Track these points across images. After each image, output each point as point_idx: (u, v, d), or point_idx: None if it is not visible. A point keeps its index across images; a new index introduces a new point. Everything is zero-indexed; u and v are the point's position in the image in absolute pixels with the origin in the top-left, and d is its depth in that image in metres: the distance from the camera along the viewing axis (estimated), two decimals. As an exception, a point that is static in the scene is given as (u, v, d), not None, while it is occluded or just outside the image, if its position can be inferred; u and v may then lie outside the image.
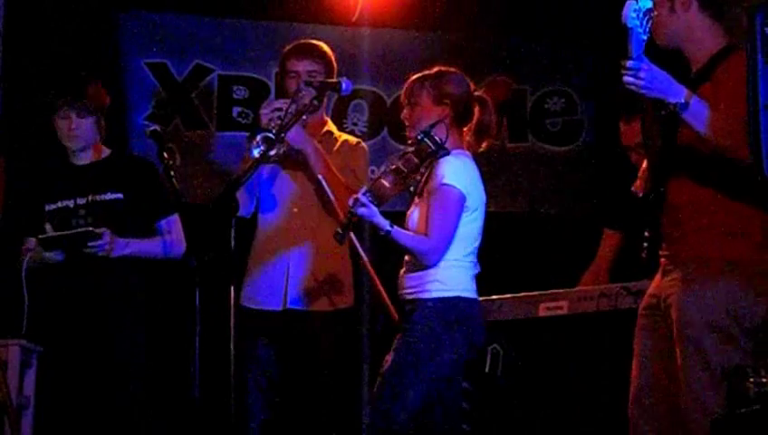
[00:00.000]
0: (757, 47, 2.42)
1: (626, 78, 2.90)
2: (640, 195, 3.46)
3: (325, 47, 4.07)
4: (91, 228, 3.89)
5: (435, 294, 3.52)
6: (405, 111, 3.68)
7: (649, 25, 2.85)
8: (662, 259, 3.21)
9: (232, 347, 3.69)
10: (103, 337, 3.92)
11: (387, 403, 3.42)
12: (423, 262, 3.53)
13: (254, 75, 5.53)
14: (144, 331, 4.02)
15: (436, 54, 5.54)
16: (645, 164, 3.49)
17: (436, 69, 3.72)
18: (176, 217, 4.09)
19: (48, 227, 3.94)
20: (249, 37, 5.53)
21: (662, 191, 3.15)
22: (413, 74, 3.72)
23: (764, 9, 2.41)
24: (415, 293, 3.54)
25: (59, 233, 3.93)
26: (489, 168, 5.37)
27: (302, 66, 3.97)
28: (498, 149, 5.64)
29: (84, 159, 4.10)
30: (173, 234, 4.06)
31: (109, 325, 3.93)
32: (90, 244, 3.87)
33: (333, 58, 4.06)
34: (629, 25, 2.81)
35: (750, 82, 2.43)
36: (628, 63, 2.87)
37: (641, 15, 2.81)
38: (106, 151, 4.15)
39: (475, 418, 4.04)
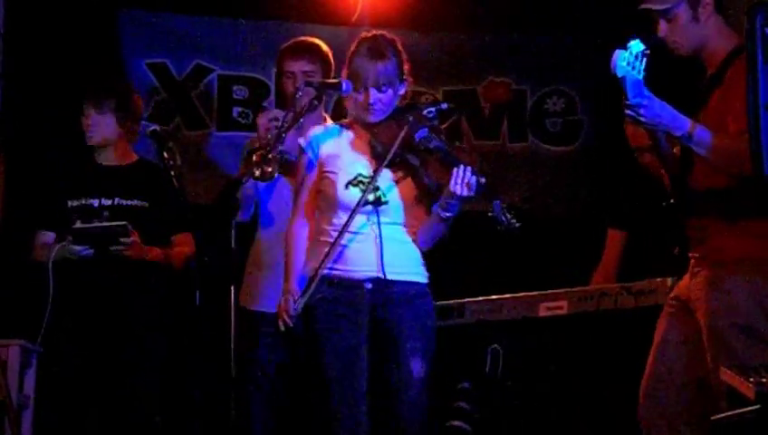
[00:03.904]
0: (757, 47, 2.42)
1: (627, 113, 2.91)
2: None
3: (321, 45, 4.04)
4: (126, 223, 3.89)
5: (427, 279, 3.42)
6: (372, 95, 3.34)
7: (645, 64, 2.85)
8: (691, 260, 3.21)
9: (232, 348, 3.70)
10: (121, 337, 3.92)
11: (423, 390, 3.31)
12: (428, 247, 3.42)
13: (254, 75, 5.53)
14: (161, 333, 4.02)
15: (436, 54, 5.55)
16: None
17: (381, 39, 3.42)
18: (189, 234, 4.11)
19: (78, 222, 3.94)
20: (249, 37, 5.53)
21: (684, 195, 3.16)
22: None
23: (764, 9, 2.41)
24: (408, 274, 3.38)
25: (95, 225, 3.92)
26: (489, 168, 5.39)
27: (298, 67, 3.95)
28: (498, 149, 5.65)
29: (110, 159, 4.12)
30: (183, 247, 4.08)
31: (128, 325, 3.94)
32: (122, 240, 3.87)
33: (330, 55, 4.04)
34: (619, 75, 2.82)
35: (750, 82, 2.43)
36: (630, 102, 2.88)
37: (633, 60, 2.81)
38: (134, 157, 4.17)
39: (475, 418, 4.04)
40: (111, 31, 5.35)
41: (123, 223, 3.90)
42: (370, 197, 3.33)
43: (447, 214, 3.28)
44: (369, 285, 3.32)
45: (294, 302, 3.31)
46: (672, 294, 3.27)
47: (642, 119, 2.91)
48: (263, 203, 4.04)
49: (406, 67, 3.43)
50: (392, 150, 3.33)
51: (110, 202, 4.02)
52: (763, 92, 2.41)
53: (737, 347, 2.99)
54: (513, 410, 4.13)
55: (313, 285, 3.30)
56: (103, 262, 3.91)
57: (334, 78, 3.95)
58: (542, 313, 4.10)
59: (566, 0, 5.39)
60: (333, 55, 4.08)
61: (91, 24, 5.21)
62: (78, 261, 3.91)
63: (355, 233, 3.36)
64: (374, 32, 3.48)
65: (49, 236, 4.02)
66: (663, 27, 3.13)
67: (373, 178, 3.32)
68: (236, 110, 5.54)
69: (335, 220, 3.37)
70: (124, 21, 5.39)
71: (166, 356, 4.05)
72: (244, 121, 5.50)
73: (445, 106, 3.43)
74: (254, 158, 3.66)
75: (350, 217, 3.28)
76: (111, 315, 3.93)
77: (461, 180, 3.19)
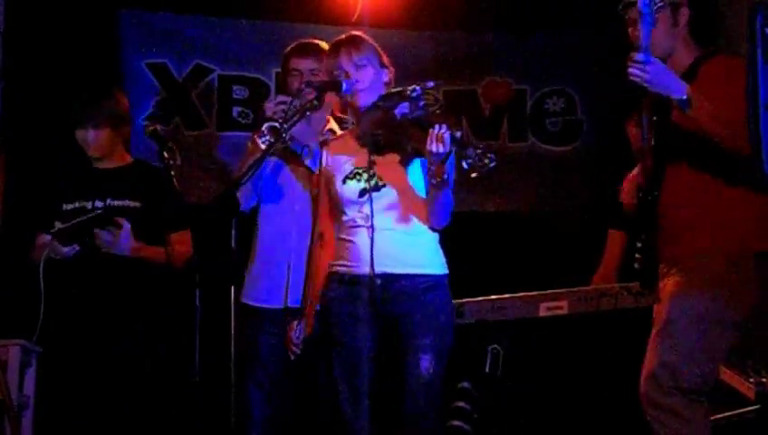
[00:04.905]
0: (757, 47, 2.42)
1: (631, 70, 2.95)
2: (634, 201, 3.47)
3: (327, 46, 4.08)
4: (101, 210, 3.90)
5: (444, 270, 3.39)
6: (352, 75, 3.40)
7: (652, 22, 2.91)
8: (661, 265, 3.22)
9: (232, 347, 3.70)
10: (114, 336, 3.92)
11: (437, 386, 3.29)
12: (443, 223, 3.37)
13: (254, 75, 5.53)
14: (158, 332, 4.02)
15: (436, 54, 5.56)
16: (633, 172, 3.52)
17: (352, 33, 3.52)
18: (187, 232, 4.10)
19: (57, 223, 3.95)
20: (249, 37, 5.53)
21: (656, 194, 3.18)
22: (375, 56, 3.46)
23: (764, 9, 2.41)
24: (414, 266, 3.34)
25: (73, 221, 3.92)
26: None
27: (305, 65, 3.98)
28: (498, 149, 5.65)
29: (105, 162, 4.13)
30: (180, 247, 4.07)
31: (122, 325, 3.94)
32: (107, 228, 3.87)
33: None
34: (644, 12, 2.85)
35: (750, 82, 2.43)
36: (637, 56, 2.91)
37: (652, 3, 2.86)
38: (128, 158, 4.18)
39: (475, 418, 4.05)
40: (111, 31, 5.35)
41: (100, 212, 3.90)
42: (364, 184, 3.33)
43: (434, 179, 3.22)
44: (379, 281, 3.30)
45: (296, 329, 3.36)
46: (654, 314, 3.29)
47: (647, 76, 2.94)
48: (264, 194, 4.04)
49: (384, 58, 3.48)
50: (364, 131, 3.35)
51: (101, 204, 4.03)
52: (763, 92, 2.41)
53: (692, 335, 3.03)
54: (513, 410, 4.13)
55: (308, 298, 3.37)
56: (94, 260, 3.90)
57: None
58: (542, 313, 4.10)
59: (567, 0, 5.39)
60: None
61: (91, 24, 5.21)
62: (69, 260, 3.91)
63: (354, 227, 3.37)
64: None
65: (46, 238, 4.03)
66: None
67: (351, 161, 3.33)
68: (236, 110, 5.54)
69: (343, 217, 3.40)
70: (124, 21, 5.40)
71: (164, 356, 4.05)
72: (244, 121, 5.50)
73: (431, 84, 3.42)
74: (264, 129, 3.69)
75: (344, 209, 3.32)
76: (104, 315, 3.92)
77: (435, 138, 3.15)
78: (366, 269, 3.30)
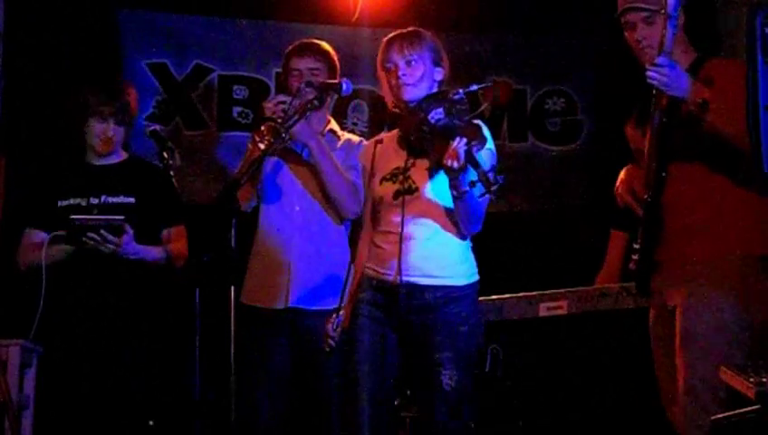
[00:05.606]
0: (757, 47, 2.42)
1: (650, 73, 2.94)
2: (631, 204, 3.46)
3: (327, 46, 4.10)
4: (123, 217, 3.89)
5: (471, 279, 3.37)
6: (401, 69, 3.37)
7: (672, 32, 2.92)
8: (661, 264, 3.21)
9: (232, 347, 3.69)
10: (111, 337, 3.91)
11: (459, 399, 3.25)
12: (474, 230, 3.34)
13: (254, 75, 5.54)
14: (157, 332, 4.02)
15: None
16: (621, 175, 3.53)
17: (411, 28, 3.50)
18: (182, 228, 4.10)
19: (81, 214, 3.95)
20: (249, 37, 5.54)
21: (659, 197, 3.17)
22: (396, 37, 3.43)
23: (764, 9, 2.41)
24: (438, 277, 3.32)
25: (93, 217, 3.91)
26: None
27: (304, 64, 3.99)
28: (498, 149, 5.64)
29: (101, 159, 4.12)
30: (176, 243, 4.07)
31: (118, 325, 3.93)
32: (111, 237, 3.86)
33: (336, 57, 4.08)
34: (673, 14, 2.86)
35: (750, 82, 2.43)
36: (659, 60, 2.91)
37: (678, 7, 2.87)
38: (124, 154, 4.17)
39: (474, 417, 4.04)
40: (111, 31, 5.35)
41: (121, 217, 3.89)
42: (398, 186, 3.32)
43: (453, 191, 3.18)
44: (404, 290, 3.29)
45: (333, 322, 3.40)
46: (652, 316, 3.27)
47: (666, 79, 2.93)
48: (264, 194, 4.05)
49: (442, 57, 3.45)
50: (404, 131, 3.31)
51: (96, 201, 4.02)
52: (763, 92, 2.41)
53: (715, 349, 3.00)
54: (513, 410, 4.13)
55: (347, 290, 3.39)
56: (94, 258, 3.90)
57: (336, 79, 3.98)
58: (542, 313, 4.10)
59: (566, 1, 5.39)
60: (336, 56, 4.10)
61: (91, 24, 5.21)
62: (68, 259, 3.90)
63: (386, 231, 3.37)
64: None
65: (38, 235, 4.01)
66: (642, 30, 3.16)
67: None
68: (236, 110, 5.55)
69: (378, 219, 3.42)
70: (124, 21, 5.40)
71: (163, 356, 4.05)
72: (244, 121, 5.50)
73: (474, 87, 3.40)
74: (263, 128, 3.69)
75: (379, 211, 3.32)
76: (103, 315, 3.92)
77: (450, 152, 3.09)
78: (392, 277, 3.31)
